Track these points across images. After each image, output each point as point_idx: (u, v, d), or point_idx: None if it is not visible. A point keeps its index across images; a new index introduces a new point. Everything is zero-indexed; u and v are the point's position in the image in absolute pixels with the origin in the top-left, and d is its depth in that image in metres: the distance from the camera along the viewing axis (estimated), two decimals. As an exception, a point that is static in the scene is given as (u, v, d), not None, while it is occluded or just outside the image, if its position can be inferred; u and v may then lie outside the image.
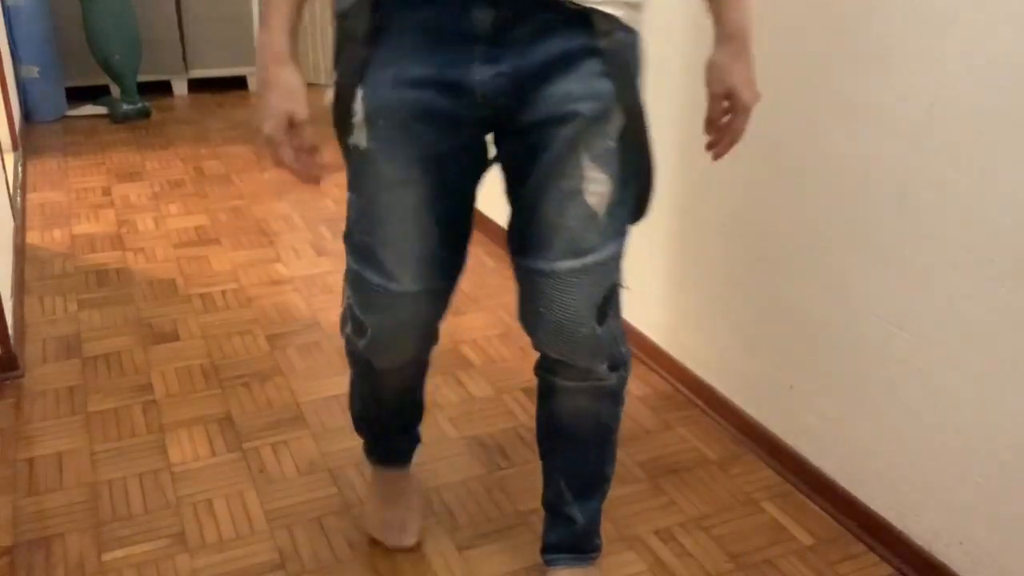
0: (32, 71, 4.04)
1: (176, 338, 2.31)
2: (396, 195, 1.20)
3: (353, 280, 1.29)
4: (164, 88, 4.67)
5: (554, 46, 1.12)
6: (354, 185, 1.24)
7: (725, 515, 1.71)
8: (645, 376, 2.17)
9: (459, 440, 1.92)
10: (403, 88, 1.14)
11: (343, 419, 1.98)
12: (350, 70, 1.16)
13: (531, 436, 1.93)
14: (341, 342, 1.57)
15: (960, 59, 1.34)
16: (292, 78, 1.14)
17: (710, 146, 1.31)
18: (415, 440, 1.67)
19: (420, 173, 1.19)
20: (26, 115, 4.12)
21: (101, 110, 4.29)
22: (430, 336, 1.37)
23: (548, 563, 1.54)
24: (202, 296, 2.55)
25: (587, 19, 1.10)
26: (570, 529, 1.49)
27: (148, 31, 4.30)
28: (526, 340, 2.36)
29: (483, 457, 1.87)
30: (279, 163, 1.16)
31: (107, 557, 1.57)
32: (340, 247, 2.83)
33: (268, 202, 3.28)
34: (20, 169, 3.41)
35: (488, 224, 2.95)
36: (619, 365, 1.36)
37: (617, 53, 1.14)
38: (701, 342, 2.05)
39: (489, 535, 1.65)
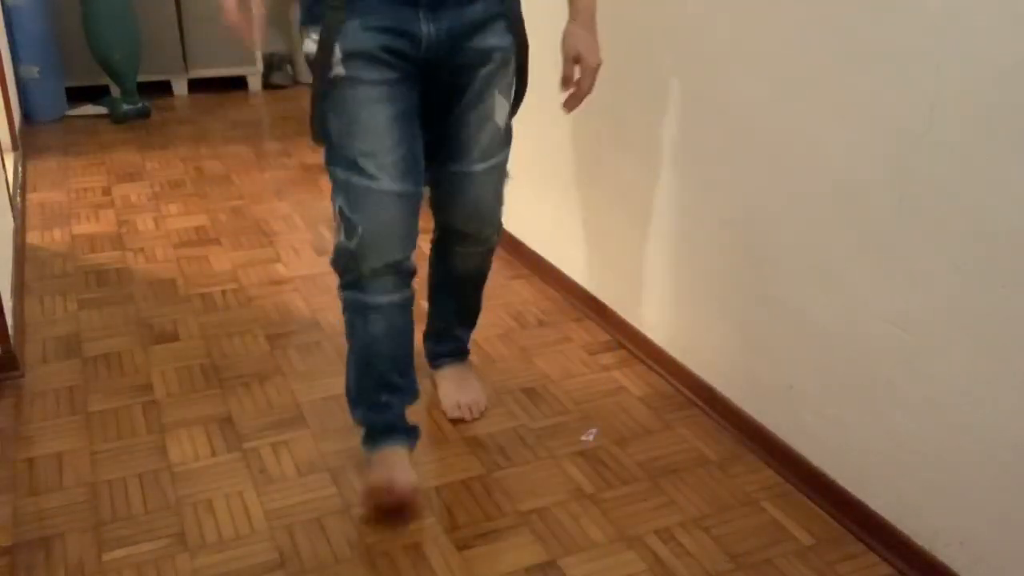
0: (32, 71, 4.04)
1: (176, 338, 2.31)
2: (373, 111, 1.57)
3: (343, 187, 1.61)
4: (164, 88, 4.67)
5: (476, 11, 1.60)
6: (338, 110, 1.58)
7: (725, 515, 1.71)
8: (645, 376, 2.17)
9: (459, 440, 1.92)
10: (370, 33, 1.54)
11: (343, 419, 1.98)
12: (331, 24, 1.54)
13: (531, 436, 1.93)
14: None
15: (960, 59, 1.34)
16: None
17: (567, 103, 1.70)
18: (412, 425, 1.78)
19: (388, 94, 1.58)
20: (26, 115, 4.12)
21: (101, 110, 4.29)
22: (409, 239, 1.66)
23: (437, 366, 2.07)
24: (202, 296, 2.55)
25: None
26: (455, 345, 2.07)
27: (148, 31, 4.30)
28: (526, 340, 2.37)
29: (483, 457, 1.87)
30: (228, 14, 1.53)
31: (107, 557, 1.57)
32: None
33: (268, 202, 3.28)
34: (20, 169, 3.41)
35: (488, 224, 2.95)
36: (500, 231, 1.88)
37: (515, 16, 1.67)
38: (701, 342, 2.05)
39: (489, 535, 1.65)
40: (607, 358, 2.26)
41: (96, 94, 4.37)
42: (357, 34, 1.53)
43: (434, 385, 2.06)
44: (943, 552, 1.51)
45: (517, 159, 2.68)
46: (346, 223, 1.61)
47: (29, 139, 3.90)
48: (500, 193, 1.79)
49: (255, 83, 4.83)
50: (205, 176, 3.55)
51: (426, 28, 1.55)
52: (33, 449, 1.86)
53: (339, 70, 1.54)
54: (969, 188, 1.36)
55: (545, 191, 2.59)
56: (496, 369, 2.19)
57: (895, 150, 1.47)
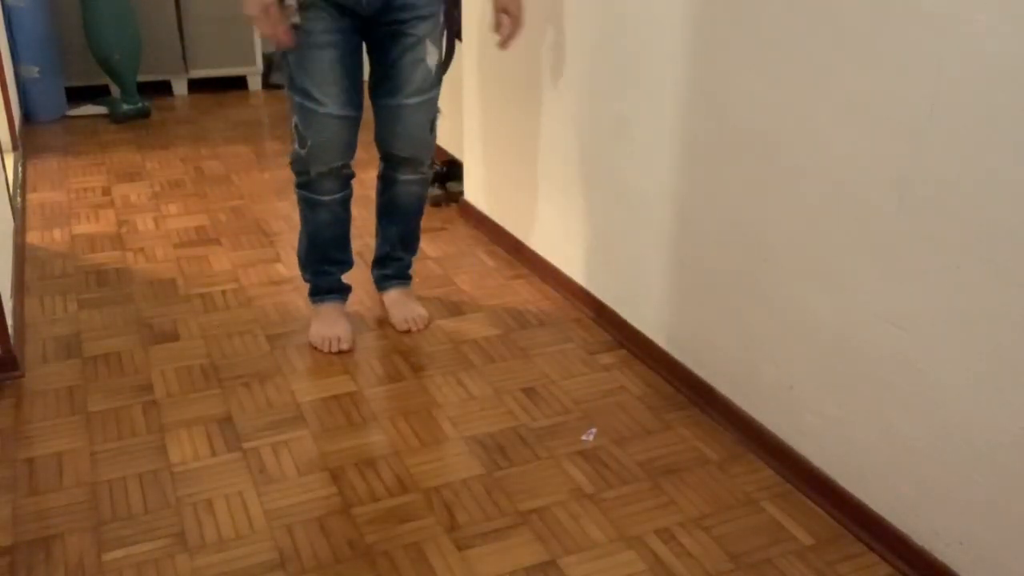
0: (32, 71, 4.04)
1: (176, 338, 2.31)
2: (323, 52, 2.02)
3: (298, 109, 2.08)
4: (164, 88, 4.66)
5: None
6: (295, 47, 2.00)
7: (725, 515, 1.71)
8: (645, 376, 2.17)
9: (459, 440, 1.92)
10: None
11: (343, 419, 1.98)
12: None
13: (532, 436, 1.93)
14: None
15: (960, 59, 1.34)
16: None
17: (501, 43, 2.16)
18: (346, 285, 2.37)
19: (335, 39, 2.02)
20: (26, 115, 4.12)
21: (101, 110, 4.29)
22: (348, 150, 2.15)
23: (384, 289, 2.45)
24: (202, 296, 2.55)
25: None
26: (399, 267, 2.44)
27: (148, 31, 4.30)
28: (526, 340, 2.37)
29: (483, 457, 1.87)
30: (265, 26, 1.92)
31: (107, 557, 1.57)
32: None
33: (268, 202, 3.28)
34: (20, 169, 3.41)
35: (489, 224, 2.96)
36: (432, 163, 2.31)
37: None
38: (701, 342, 2.05)
39: (489, 535, 1.65)
40: (607, 358, 2.26)
41: (96, 94, 4.37)
42: None
43: (383, 306, 2.45)
44: (943, 552, 1.51)
45: (518, 160, 2.69)
46: (300, 137, 2.10)
47: (29, 139, 3.90)
48: (432, 123, 2.20)
49: (255, 83, 4.83)
50: (205, 176, 3.55)
51: None
52: (33, 449, 1.86)
53: (296, 19, 1.97)
54: (969, 188, 1.36)
55: (545, 191, 2.59)
56: (496, 369, 2.19)
57: (895, 150, 1.47)
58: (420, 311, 2.40)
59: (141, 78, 4.31)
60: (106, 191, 3.35)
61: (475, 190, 3.03)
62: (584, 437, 1.93)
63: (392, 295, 2.43)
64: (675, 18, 1.93)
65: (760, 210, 1.79)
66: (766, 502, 1.75)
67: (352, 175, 2.21)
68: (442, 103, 2.24)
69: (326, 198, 2.18)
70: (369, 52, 2.13)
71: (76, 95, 4.33)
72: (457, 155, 3.39)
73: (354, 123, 2.11)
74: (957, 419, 1.44)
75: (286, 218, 3.12)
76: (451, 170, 3.30)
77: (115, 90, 4.32)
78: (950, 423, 1.46)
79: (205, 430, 1.93)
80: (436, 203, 3.21)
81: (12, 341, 2.11)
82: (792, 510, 1.73)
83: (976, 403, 1.41)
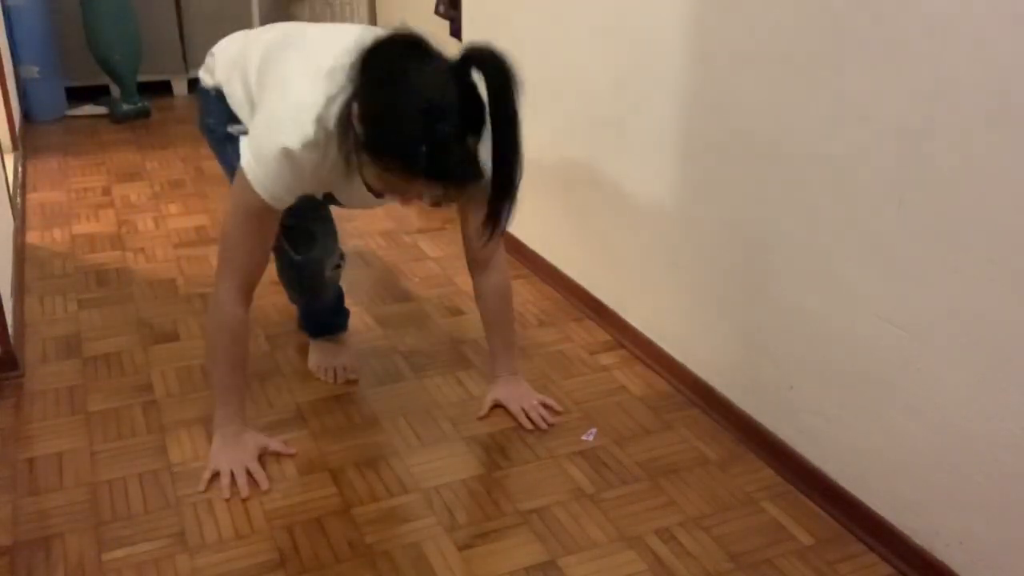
0: (32, 71, 4.04)
1: (176, 338, 2.31)
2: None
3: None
4: (164, 88, 4.66)
5: None
6: None
7: (725, 515, 1.71)
8: (645, 376, 2.17)
9: (459, 440, 1.92)
10: None
11: (343, 419, 1.98)
12: None
13: (532, 436, 1.93)
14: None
15: (960, 59, 1.34)
16: (251, 439, 1.82)
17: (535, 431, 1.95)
18: (343, 321, 2.26)
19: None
20: (26, 115, 4.12)
21: (101, 110, 4.29)
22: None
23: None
24: (202, 296, 2.54)
25: None
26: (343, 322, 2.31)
27: (148, 31, 4.30)
28: (526, 340, 2.37)
29: (483, 457, 1.87)
30: (229, 483, 1.74)
31: (107, 557, 1.57)
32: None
33: (268, 202, 3.27)
34: (20, 169, 3.41)
35: (488, 224, 2.95)
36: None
37: None
38: (701, 342, 2.05)
39: (489, 535, 1.65)
40: (607, 358, 2.26)
41: (96, 94, 4.37)
42: None
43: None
44: (942, 552, 1.51)
45: (517, 159, 2.69)
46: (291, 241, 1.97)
47: (29, 139, 3.89)
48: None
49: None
50: (205, 176, 3.54)
51: None
52: (33, 449, 1.86)
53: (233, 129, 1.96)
54: (969, 188, 1.36)
55: (545, 191, 2.59)
56: (496, 369, 2.19)
57: (895, 150, 1.47)
58: (349, 360, 2.20)
59: (141, 78, 4.31)
60: (106, 191, 3.35)
61: (475, 190, 3.03)
62: (584, 437, 1.93)
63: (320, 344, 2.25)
64: (675, 18, 1.93)
65: (760, 210, 1.79)
66: (766, 502, 1.75)
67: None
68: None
69: (312, 261, 2.01)
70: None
71: (76, 95, 4.32)
72: (457, 155, 3.38)
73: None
74: (956, 419, 1.44)
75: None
76: (451, 170, 3.29)
77: (115, 90, 4.32)
78: (949, 423, 1.46)
79: (205, 430, 1.93)
80: (436, 203, 3.20)
81: (12, 341, 2.11)
82: (792, 510, 1.73)
83: (976, 403, 1.41)
